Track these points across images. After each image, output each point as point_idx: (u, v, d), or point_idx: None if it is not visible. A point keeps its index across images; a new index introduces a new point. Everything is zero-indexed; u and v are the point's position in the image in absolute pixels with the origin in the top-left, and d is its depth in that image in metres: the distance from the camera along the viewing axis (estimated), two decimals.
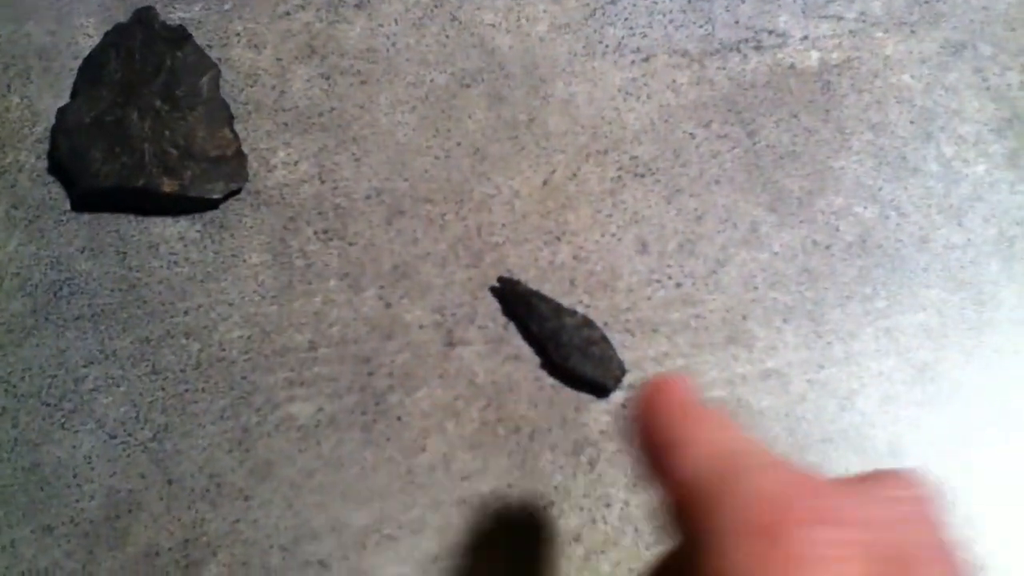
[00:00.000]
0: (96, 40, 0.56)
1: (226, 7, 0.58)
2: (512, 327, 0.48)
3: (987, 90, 0.52)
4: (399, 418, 0.46)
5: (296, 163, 0.53)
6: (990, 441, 0.43)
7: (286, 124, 0.54)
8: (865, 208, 0.49)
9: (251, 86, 0.55)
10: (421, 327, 0.48)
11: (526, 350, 0.47)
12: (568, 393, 0.46)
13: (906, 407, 0.45)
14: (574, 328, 0.46)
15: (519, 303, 0.47)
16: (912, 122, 0.51)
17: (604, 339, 0.46)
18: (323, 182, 0.52)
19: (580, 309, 0.48)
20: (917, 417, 0.44)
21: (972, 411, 0.44)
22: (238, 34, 0.57)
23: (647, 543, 0.43)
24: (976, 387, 0.44)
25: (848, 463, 0.44)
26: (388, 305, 0.49)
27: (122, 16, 0.56)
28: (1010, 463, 0.43)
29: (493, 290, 0.48)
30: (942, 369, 0.45)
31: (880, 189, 0.50)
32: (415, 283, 0.49)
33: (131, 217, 0.52)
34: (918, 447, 0.43)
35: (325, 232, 0.51)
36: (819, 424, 0.45)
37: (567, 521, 0.44)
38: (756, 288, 0.48)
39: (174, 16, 0.57)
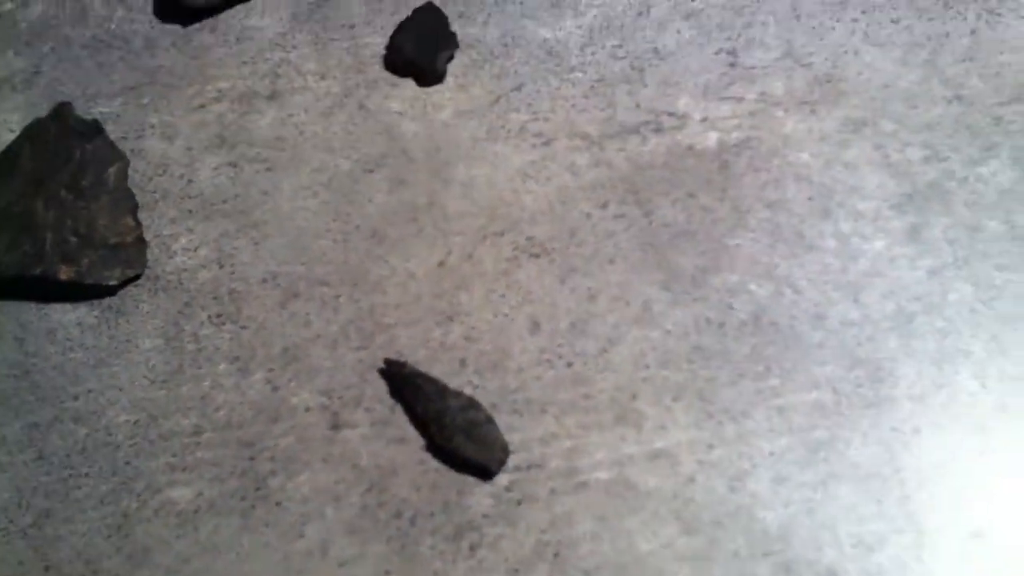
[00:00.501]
0: (16, 134, 0.57)
1: (144, 101, 0.59)
2: (399, 409, 0.47)
3: (887, 166, 0.52)
4: (279, 503, 0.45)
5: (196, 248, 0.53)
6: (888, 519, 0.42)
7: (190, 211, 0.54)
8: (760, 285, 0.49)
9: (160, 175, 0.56)
10: (307, 410, 0.47)
11: (412, 432, 0.46)
12: (452, 476, 0.45)
13: (798, 488, 0.43)
14: (459, 409, 0.45)
15: (405, 385, 0.46)
16: (810, 199, 0.51)
17: (489, 420, 0.45)
18: (221, 267, 0.52)
19: (469, 390, 0.47)
20: (810, 499, 0.43)
21: (868, 492, 0.42)
22: (152, 126, 0.58)
23: None
24: (872, 468, 0.43)
25: (737, 546, 0.42)
26: (275, 388, 0.48)
27: (45, 112, 0.57)
28: (906, 545, 0.41)
29: (381, 372, 0.47)
30: (837, 449, 0.44)
31: (776, 266, 0.49)
32: (304, 366, 0.48)
33: (32, 304, 0.52)
34: (810, 531, 0.42)
35: (219, 316, 0.50)
36: (708, 506, 0.43)
37: None
38: (647, 367, 0.47)
39: (95, 110, 0.58)
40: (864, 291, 0.48)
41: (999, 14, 0.56)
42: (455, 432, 0.45)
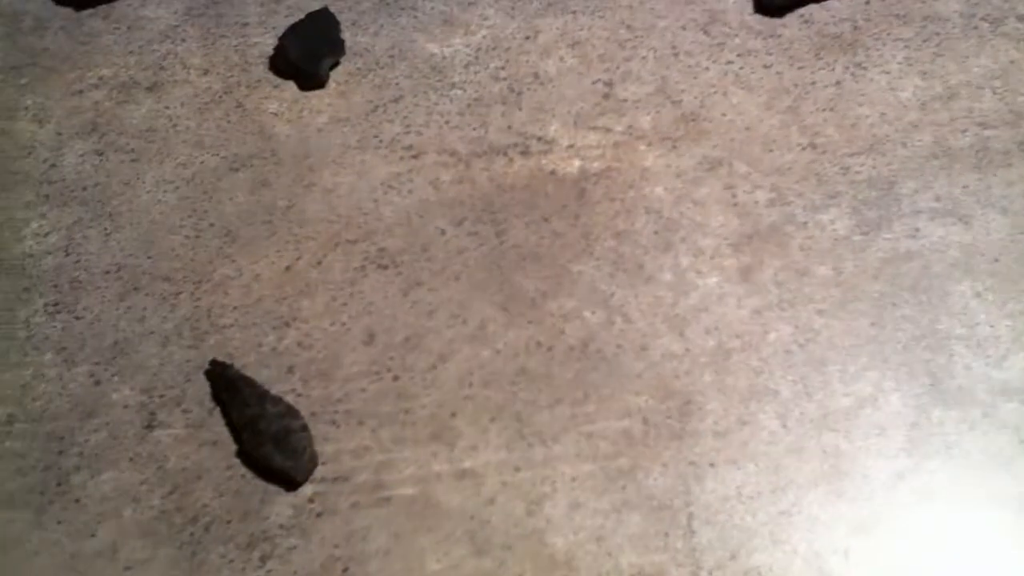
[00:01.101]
0: None
1: (22, 81, 0.60)
2: (217, 413, 0.48)
3: (734, 206, 0.53)
4: (77, 500, 0.46)
5: (47, 235, 0.53)
6: (670, 552, 0.43)
7: (47, 196, 0.55)
8: (594, 313, 0.50)
9: (25, 157, 0.57)
10: (125, 407, 0.48)
11: (225, 437, 0.47)
12: (257, 484, 0.46)
13: (592, 516, 0.44)
14: (275, 416, 0.46)
15: (226, 387, 0.47)
16: (656, 232, 0.52)
17: (304, 429, 0.46)
18: (67, 255, 0.53)
19: (292, 397, 0.48)
20: (601, 527, 0.44)
21: (658, 523, 0.44)
22: (26, 108, 0.59)
23: None
24: (665, 499, 0.44)
25: (523, 570, 0.43)
26: (97, 382, 0.49)
27: None
28: (677, 573, 0.42)
29: (206, 373, 0.48)
30: (636, 478, 0.45)
31: (612, 295, 0.50)
32: (131, 361, 0.49)
33: None
34: (595, 558, 0.43)
35: (55, 305, 0.51)
36: (503, 528, 0.44)
37: None
38: (471, 385, 0.48)
39: None
40: (690, 326, 0.50)
41: (865, 68, 0.57)
42: (266, 439, 0.45)
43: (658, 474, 0.46)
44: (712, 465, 0.46)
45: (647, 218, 0.53)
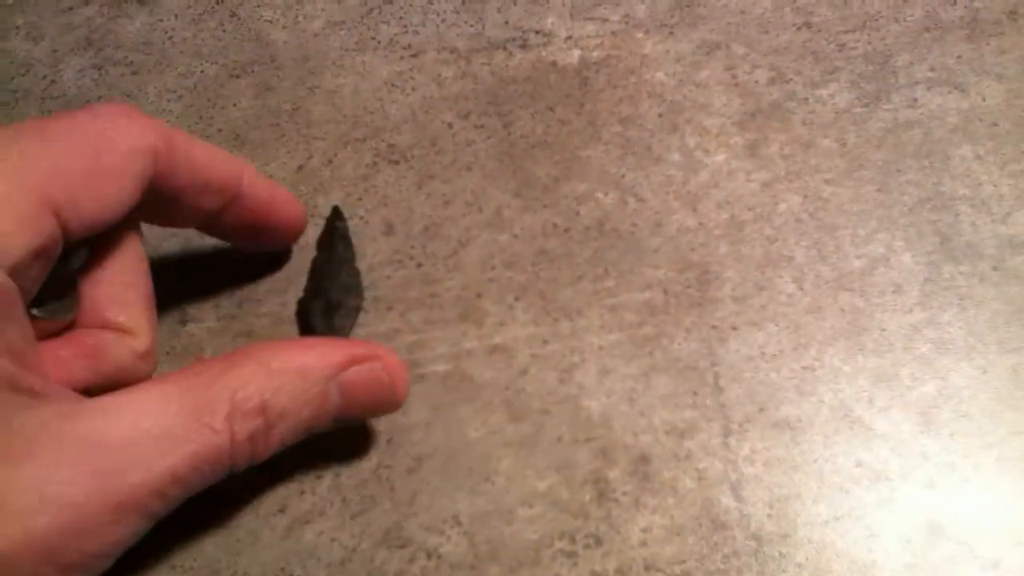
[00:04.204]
0: None
1: (9, 2, 0.59)
2: (248, 306, 0.48)
3: (735, 86, 0.54)
4: None
5: None
6: (700, 408, 0.45)
7: (50, 112, 0.55)
8: (606, 194, 0.51)
9: (22, 75, 0.56)
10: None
11: (259, 327, 0.48)
12: None
13: (622, 380, 0.46)
14: (342, 287, 0.47)
15: (329, 235, 0.49)
16: (660, 115, 0.53)
17: (356, 312, 0.47)
18: None
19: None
20: (632, 389, 0.45)
21: (685, 384, 0.45)
22: (18, 27, 0.58)
23: (353, 512, 0.43)
24: (691, 361, 0.45)
25: (560, 432, 0.44)
26: None
27: None
28: (715, 432, 0.44)
29: (331, 214, 0.49)
30: (661, 344, 0.46)
31: (623, 176, 0.51)
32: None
33: None
34: (628, 418, 0.44)
35: None
36: (538, 395, 0.45)
37: (274, 493, 0.44)
38: (494, 268, 0.49)
39: None
40: (702, 201, 0.51)
41: None
42: (320, 299, 0.46)
43: (682, 339, 0.47)
44: (734, 328, 0.47)
45: (650, 102, 0.54)
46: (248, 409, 0.34)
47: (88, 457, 0.30)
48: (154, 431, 0.29)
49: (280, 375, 0.36)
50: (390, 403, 0.40)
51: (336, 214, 0.49)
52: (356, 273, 0.47)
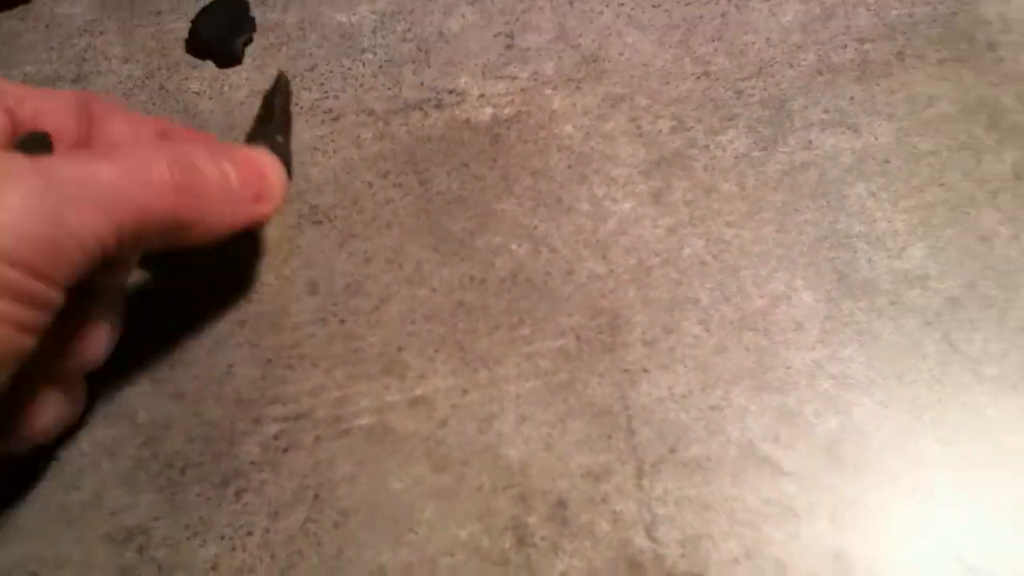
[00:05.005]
0: None
1: None
2: (180, 366, 0.50)
3: (639, 136, 0.57)
4: (57, 458, 0.48)
5: None
6: (615, 452, 0.48)
7: None
8: (520, 245, 0.53)
9: None
10: None
11: (190, 388, 0.50)
12: (224, 428, 0.48)
13: (539, 427, 0.48)
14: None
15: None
16: (569, 167, 0.56)
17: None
18: None
19: (246, 348, 0.51)
20: (548, 435, 0.47)
21: (600, 428, 0.47)
22: None
23: (281, 568, 0.45)
24: (604, 405, 0.48)
25: (481, 481, 0.46)
26: None
27: None
28: (628, 474, 0.46)
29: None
30: (576, 389, 0.49)
31: (535, 227, 0.54)
32: None
33: None
34: (546, 463, 0.46)
35: None
36: (458, 446, 0.47)
37: (206, 550, 0.45)
38: (414, 322, 0.51)
39: None
40: (611, 248, 0.53)
41: None
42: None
43: (596, 384, 0.50)
44: (645, 371, 0.50)
45: (560, 155, 0.57)
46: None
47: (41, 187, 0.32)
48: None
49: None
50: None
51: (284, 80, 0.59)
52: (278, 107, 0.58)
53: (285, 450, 0.48)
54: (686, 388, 0.49)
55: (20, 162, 0.32)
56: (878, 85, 0.59)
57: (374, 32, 0.63)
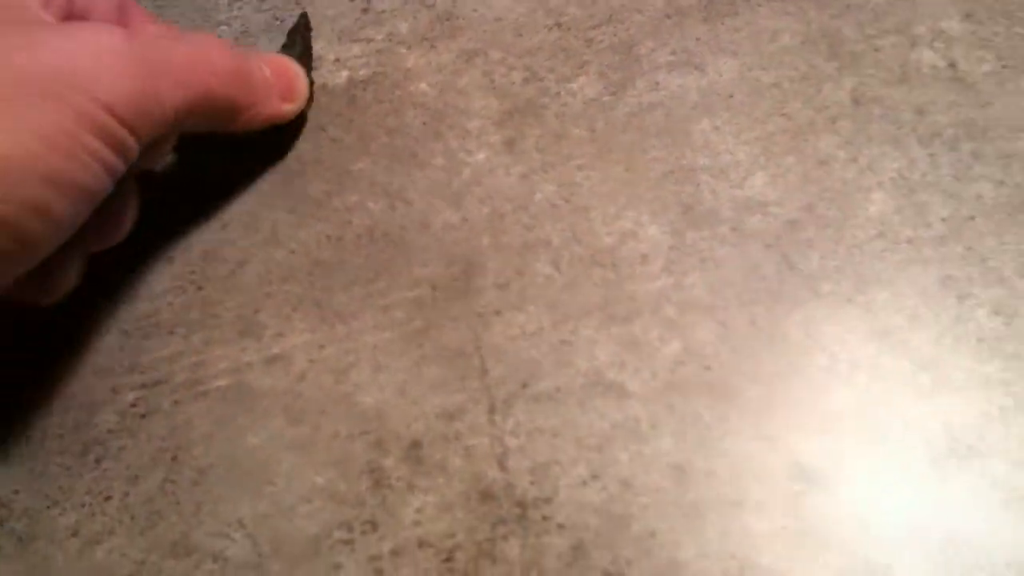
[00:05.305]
0: None
1: None
2: (41, 336, 0.50)
3: (493, 89, 0.58)
4: None
5: None
6: (468, 391, 0.49)
7: None
8: (376, 203, 0.54)
9: None
10: None
11: (46, 361, 0.50)
12: (84, 399, 0.49)
13: (394, 373, 0.49)
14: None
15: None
16: (424, 123, 0.57)
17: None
18: None
19: (103, 318, 0.51)
20: (404, 382, 0.48)
21: (454, 370, 0.48)
22: None
23: (141, 528, 0.45)
24: (458, 348, 0.49)
25: (337, 429, 0.47)
26: None
27: None
28: (481, 411, 0.48)
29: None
30: (430, 335, 0.49)
31: (391, 184, 0.54)
32: None
33: None
34: (401, 409, 0.47)
35: None
36: (315, 398, 0.48)
37: (66, 517, 0.46)
38: (271, 283, 0.52)
39: None
40: (465, 199, 0.54)
41: None
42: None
43: (450, 329, 0.51)
44: (497, 313, 0.51)
45: (415, 112, 0.58)
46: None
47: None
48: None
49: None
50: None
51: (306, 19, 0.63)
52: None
53: (143, 416, 0.49)
54: (537, 326, 0.50)
55: (119, 32, 0.37)
56: (723, 24, 0.60)
57: (230, 5, 0.63)
